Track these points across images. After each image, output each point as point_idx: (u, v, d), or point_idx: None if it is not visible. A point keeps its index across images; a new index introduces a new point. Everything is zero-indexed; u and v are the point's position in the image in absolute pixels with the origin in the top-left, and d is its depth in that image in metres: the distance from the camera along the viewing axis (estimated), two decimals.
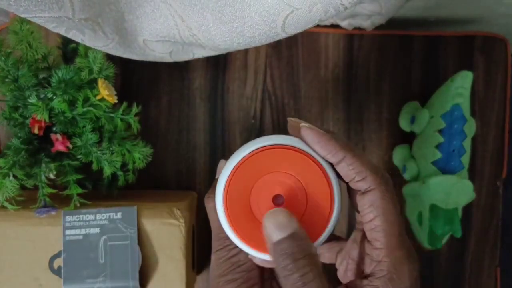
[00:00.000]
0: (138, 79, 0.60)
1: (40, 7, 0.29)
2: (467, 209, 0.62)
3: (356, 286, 0.29)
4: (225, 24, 0.35)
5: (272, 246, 0.26)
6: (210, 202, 0.31)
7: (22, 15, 0.30)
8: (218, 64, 0.60)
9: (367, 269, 0.29)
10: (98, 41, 0.36)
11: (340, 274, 0.32)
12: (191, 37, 0.37)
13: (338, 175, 0.30)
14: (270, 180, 0.28)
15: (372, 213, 0.28)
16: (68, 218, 0.48)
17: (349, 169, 0.28)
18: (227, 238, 0.31)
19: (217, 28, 0.35)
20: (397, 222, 0.28)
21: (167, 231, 0.48)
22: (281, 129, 0.61)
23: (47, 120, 0.48)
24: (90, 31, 0.34)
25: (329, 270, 0.31)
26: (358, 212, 0.30)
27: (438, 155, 0.55)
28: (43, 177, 0.48)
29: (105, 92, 0.47)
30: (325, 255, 0.34)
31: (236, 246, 0.31)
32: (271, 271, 0.33)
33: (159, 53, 0.41)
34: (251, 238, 0.28)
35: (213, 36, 0.36)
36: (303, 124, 0.30)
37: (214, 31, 0.35)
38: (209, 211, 0.32)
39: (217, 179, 0.33)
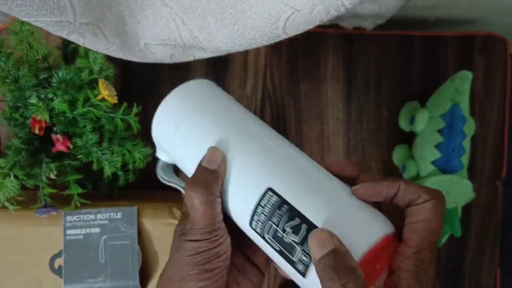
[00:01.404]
0: (138, 79, 0.60)
1: (41, 12, 0.29)
2: (467, 208, 0.62)
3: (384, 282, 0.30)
4: (226, 27, 0.35)
5: (316, 263, 0.28)
6: (196, 198, 0.31)
7: (23, 19, 0.30)
8: (218, 64, 0.60)
9: (393, 263, 0.30)
10: (99, 44, 0.36)
11: None
12: (192, 39, 0.37)
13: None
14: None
15: (418, 216, 0.30)
16: (68, 218, 0.48)
17: (405, 195, 0.30)
18: (216, 230, 0.31)
19: (218, 31, 0.35)
20: (436, 233, 0.30)
21: (167, 231, 0.48)
22: (281, 129, 0.61)
23: (47, 120, 0.48)
24: (91, 34, 0.34)
25: None
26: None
27: (438, 154, 0.55)
28: (43, 177, 0.48)
29: (106, 92, 0.47)
30: None
31: (220, 238, 0.31)
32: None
33: (160, 56, 0.41)
34: None
35: (214, 39, 0.36)
36: (355, 187, 0.31)
37: (215, 33, 0.35)
38: (194, 205, 0.31)
39: (203, 168, 0.32)
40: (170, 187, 0.61)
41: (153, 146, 0.52)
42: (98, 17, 0.34)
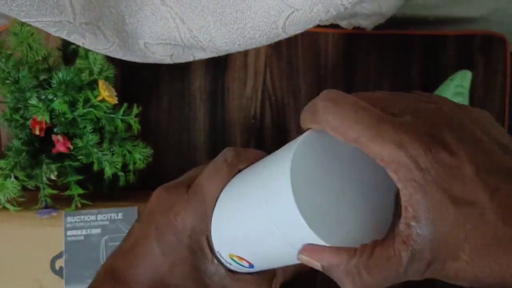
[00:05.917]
0: (138, 80, 0.60)
1: (41, 12, 0.29)
2: None
3: None
4: (226, 26, 0.35)
5: None
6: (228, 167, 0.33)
7: (23, 20, 0.30)
8: (218, 64, 0.60)
9: None
10: (99, 45, 0.36)
11: None
12: (191, 39, 0.37)
13: None
14: None
15: None
16: (69, 218, 0.48)
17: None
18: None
19: (217, 30, 0.35)
20: None
21: None
22: (281, 129, 0.61)
23: (48, 121, 0.48)
24: (91, 34, 0.34)
25: None
26: None
27: None
28: (44, 178, 0.48)
29: (106, 93, 0.47)
30: None
31: None
32: None
33: (160, 55, 0.41)
34: None
35: (213, 38, 0.36)
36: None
37: (214, 32, 0.35)
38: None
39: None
40: None
41: (153, 147, 0.52)
42: (98, 17, 0.34)
